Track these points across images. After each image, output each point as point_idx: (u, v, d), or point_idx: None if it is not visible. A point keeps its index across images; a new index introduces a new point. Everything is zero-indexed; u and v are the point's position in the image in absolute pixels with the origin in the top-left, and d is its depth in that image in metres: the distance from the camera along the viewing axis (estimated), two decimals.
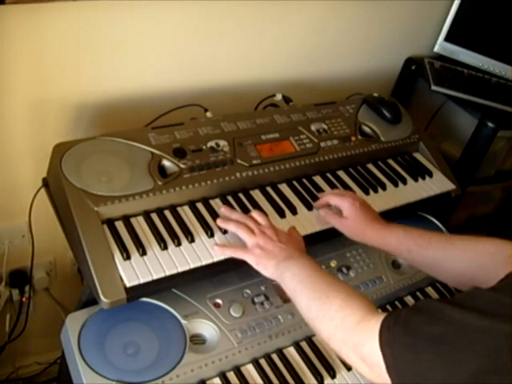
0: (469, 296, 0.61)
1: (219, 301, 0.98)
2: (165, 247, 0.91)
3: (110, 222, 0.92)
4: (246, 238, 0.92)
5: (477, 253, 0.86)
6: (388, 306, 1.10)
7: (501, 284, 0.62)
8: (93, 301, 0.89)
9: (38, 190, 1.06)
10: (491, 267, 0.80)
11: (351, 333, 0.69)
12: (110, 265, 0.85)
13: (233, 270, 0.99)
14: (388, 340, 0.62)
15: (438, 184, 1.26)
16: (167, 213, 0.97)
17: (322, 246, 1.10)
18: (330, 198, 1.04)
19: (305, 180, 1.14)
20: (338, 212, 1.03)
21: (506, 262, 0.78)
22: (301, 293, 0.81)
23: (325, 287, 0.79)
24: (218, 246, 0.93)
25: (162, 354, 0.88)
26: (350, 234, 1.01)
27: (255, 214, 0.97)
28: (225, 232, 0.96)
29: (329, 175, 1.18)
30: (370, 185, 1.18)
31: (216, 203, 1.02)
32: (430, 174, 1.28)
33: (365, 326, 0.68)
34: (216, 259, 0.92)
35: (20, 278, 1.34)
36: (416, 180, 1.25)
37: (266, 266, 0.88)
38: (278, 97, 1.32)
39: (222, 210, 0.99)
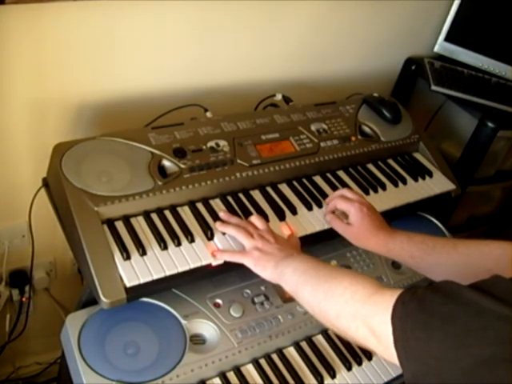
0: (489, 282, 0.60)
1: (219, 301, 0.98)
2: (165, 247, 0.91)
3: (110, 222, 0.92)
4: (245, 241, 0.92)
5: (482, 257, 0.86)
6: None
7: None
8: (93, 301, 0.89)
9: (38, 190, 1.06)
10: (496, 271, 0.79)
11: (362, 304, 0.69)
12: (110, 265, 0.85)
13: (233, 270, 0.99)
14: (401, 314, 0.61)
15: (438, 184, 1.27)
16: (167, 213, 0.97)
17: (321, 245, 1.11)
18: (338, 202, 1.03)
19: (305, 180, 1.14)
20: (344, 215, 1.03)
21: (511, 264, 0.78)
22: (304, 283, 0.80)
23: (331, 272, 0.79)
24: (216, 252, 0.92)
25: (161, 354, 0.88)
26: (353, 241, 1.01)
27: (254, 218, 0.97)
28: (224, 233, 0.96)
29: (329, 175, 1.18)
30: (370, 185, 1.18)
31: (216, 203, 1.02)
32: (430, 174, 1.28)
33: (378, 299, 0.67)
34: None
35: (20, 278, 1.34)
36: (416, 180, 1.25)
37: (264, 267, 0.88)
38: (278, 97, 1.32)
39: (222, 214, 0.99)
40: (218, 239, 0.95)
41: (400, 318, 0.61)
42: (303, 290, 0.81)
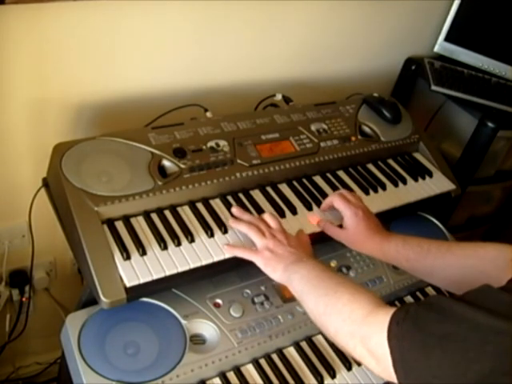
0: (480, 295, 0.60)
1: (219, 301, 0.98)
2: (165, 247, 0.91)
3: (110, 222, 0.92)
4: (257, 240, 0.92)
5: (477, 259, 0.86)
6: None
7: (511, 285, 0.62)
8: (93, 301, 0.89)
9: (38, 190, 1.06)
10: (492, 272, 0.79)
11: (359, 325, 0.69)
12: (109, 265, 0.85)
13: (233, 270, 0.99)
14: (396, 335, 0.61)
15: (438, 184, 1.26)
16: (167, 213, 0.97)
17: (322, 245, 1.10)
18: (335, 200, 1.03)
19: (305, 180, 1.14)
20: (339, 216, 1.03)
21: (507, 266, 0.78)
22: (308, 292, 0.81)
23: (333, 285, 0.79)
24: (227, 246, 0.93)
25: (162, 354, 0.88)
26: (348, 245, 1.01)
27: (267, 216, 0.97)
28: (225, 232, 0.96)
29: (329, 175, 1.18)
30: (370, 185, 1.18)
31: (216, 203, 1.02)
32: (430, 174, 1.28)
33: (373, 319, 0.67)
34: (216, 259, 0.92)
35: (20, 278, 1.34)
36: (416, 180, 1.25)
37: (274, 268, 0.88)
38: (278, 97, 1.32)
39: (234, 210, 0.99)
40: (218, 239, 0.95)
41: (396, 338, 0.61)
42: (307, 299, 0.81)
